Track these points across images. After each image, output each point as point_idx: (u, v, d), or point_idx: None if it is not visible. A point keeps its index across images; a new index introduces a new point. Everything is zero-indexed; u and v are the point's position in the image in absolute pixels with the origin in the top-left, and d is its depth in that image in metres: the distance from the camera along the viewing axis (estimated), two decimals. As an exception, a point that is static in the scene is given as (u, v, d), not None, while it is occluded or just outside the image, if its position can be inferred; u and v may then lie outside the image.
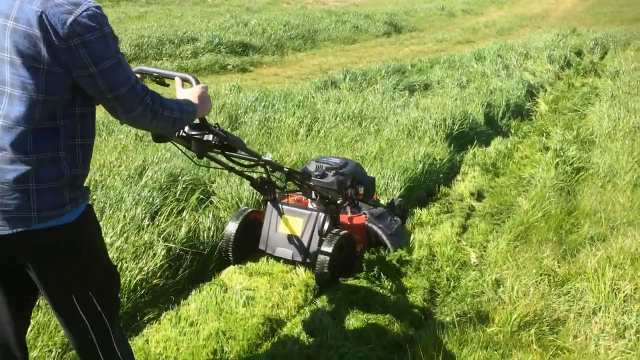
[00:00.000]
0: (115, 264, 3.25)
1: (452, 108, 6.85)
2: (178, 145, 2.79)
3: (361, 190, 4.05)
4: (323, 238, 3.62)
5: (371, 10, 19.38)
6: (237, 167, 3.34)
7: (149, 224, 3.78)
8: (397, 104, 7.26)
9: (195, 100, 2.24)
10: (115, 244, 3.45)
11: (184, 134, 2.68)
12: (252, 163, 3.22)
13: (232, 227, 3.78)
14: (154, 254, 3.50)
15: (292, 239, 3.72)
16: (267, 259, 3.87)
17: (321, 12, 17.98)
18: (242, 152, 2.99)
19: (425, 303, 3.54)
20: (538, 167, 5.46)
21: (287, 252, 3.71)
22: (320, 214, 3.70)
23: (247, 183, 4.40)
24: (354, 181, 4.01)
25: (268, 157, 3.25)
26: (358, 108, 6.77)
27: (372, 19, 17.27)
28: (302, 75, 10.63)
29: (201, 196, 4.33)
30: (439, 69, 10.07)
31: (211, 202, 4.34)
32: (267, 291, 3.52)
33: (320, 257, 3.54)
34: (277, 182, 3.72)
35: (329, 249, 3.53)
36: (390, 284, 3.69)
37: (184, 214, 4.00)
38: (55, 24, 1.78)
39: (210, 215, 4.03)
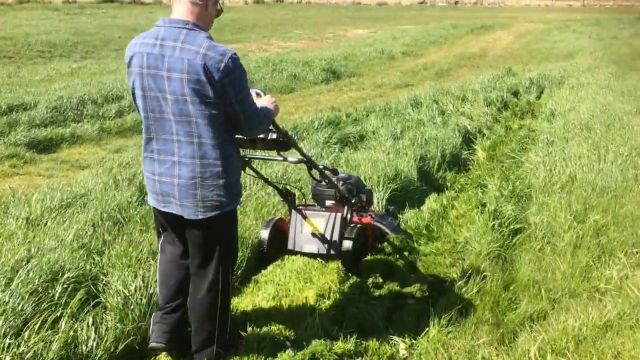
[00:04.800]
0: None
1: (384, 164, 6.44)
2: None
3: (363, 198, 4.68)
4: (343, 231, 4.37)
5: (311, 57, 19.11)
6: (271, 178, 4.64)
7: (10, 344, 3.14)
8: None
9: (269, 107, 3.16)
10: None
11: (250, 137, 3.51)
12: (296, 160, 4.00)
13: (265, 233, 4.52)
14: (10, 386, 2.87)
15: (316, 236, 4.39)
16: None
17: (257, 61, 17.59)
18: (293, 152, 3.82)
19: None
20: (472, 231, 5.06)
21: (313, 247, 4.39)
22: (338, 214, 4.42)
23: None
24: (358, 191, 4.66)
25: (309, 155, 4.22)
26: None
27: (310, 66, 16.95)
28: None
29: (86, 296, 3.72)
30: (374, 118, 9.70)
31: (97, 303, 3.73)
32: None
33: (345, 245, 4.33)
34: (296, 192, 4.72)
35: (350, 243, 4.33)
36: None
37: (60, 323, 3.39)
38: (212, 72, 2.73)
39: (91, 321, 3.43)
